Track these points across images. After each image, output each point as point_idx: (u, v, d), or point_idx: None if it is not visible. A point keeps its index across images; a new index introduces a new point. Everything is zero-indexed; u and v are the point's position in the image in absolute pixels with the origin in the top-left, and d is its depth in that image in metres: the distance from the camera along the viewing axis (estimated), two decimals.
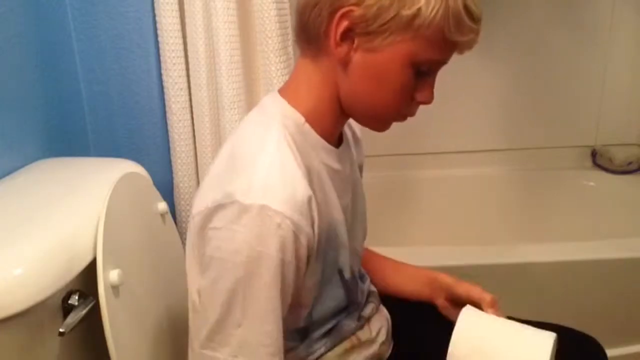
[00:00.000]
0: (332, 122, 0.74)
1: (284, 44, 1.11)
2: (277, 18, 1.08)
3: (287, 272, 0.64)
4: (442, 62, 0.69)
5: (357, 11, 0.64)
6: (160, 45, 1.11)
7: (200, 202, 0.67)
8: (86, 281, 0.75)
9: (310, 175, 0.69)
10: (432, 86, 0.71)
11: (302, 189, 0.65)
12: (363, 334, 0.83)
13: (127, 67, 1.12)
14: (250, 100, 1.15)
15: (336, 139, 0.76)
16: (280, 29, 1.09)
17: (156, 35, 1.11)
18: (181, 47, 1.11)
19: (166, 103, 1.14)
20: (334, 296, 0.78)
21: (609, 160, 1.84)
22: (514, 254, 1.35)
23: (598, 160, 1.87)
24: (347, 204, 0.79)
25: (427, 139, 1.81)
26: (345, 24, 0.65)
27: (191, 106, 1.15)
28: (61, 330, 0.70)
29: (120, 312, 0.77)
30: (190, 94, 1.14)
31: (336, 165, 0.75)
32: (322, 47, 0.68)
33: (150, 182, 1.00)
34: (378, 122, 0.74)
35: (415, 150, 1.82)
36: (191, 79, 1.13)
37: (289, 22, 1.14)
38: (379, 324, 0.87)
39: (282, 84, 1.10)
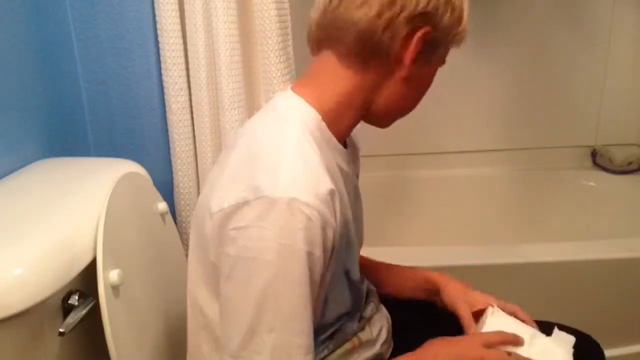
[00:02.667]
0: (347, 127, 0.75)
1: (284, 44, 1.11)
2: (277, 18, 1.08)
3: (315, 266, 0.62)
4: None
5: (432, 33, 0.68)
6: (160, 45, 1.11)
7: (218, 202, 0.64)
8: (86, 281, 0.75)
9: (329, 170, 0.68)
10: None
11: (325, 181, 0.65)
12: (364, 335, 0.83)
13: (127, 67, 1.12)
14: (250, 100, 1.15)
15: (344, 142, 0.77)
16: (280, 29, 1.09)
17: (156, 35, 1.11)
18: (181, 47, 1.11)
19: (166, 103, 1.14)
20: (341, 300, 0.77)
21: (609, 160, 1.84)
22: (514, 254, 1.35)
23: (598, 160, 1.88)
24: (355, 203, 0.80)
25: (427, 139, 1.81)
26: (420, 45, 0.68)
27: (191, 106, 1.15)
28: (61, 330, 0.70)
29: (120, 312, 0.77)
30: (190, 94, 1.14)
31: (345, 166, 0.75)
32: (380, 62, 0.70)
33: (150, 182, 1.00)
34: (393, 121, 0.79)
35: (415, 150, 1.82)
36: (191, 79, 1.13)
37: (289, 22, 1.14)
38: (380, 324, 0.87)
39: (282, 84, 1.11)
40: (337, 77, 0.71)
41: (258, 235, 0.61)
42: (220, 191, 0.66)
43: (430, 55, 0.71)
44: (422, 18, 0.67)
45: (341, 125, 0.73)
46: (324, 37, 0.72)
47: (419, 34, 0.67)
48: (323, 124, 0.71)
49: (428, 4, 0.67)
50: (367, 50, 0.69)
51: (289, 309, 0.61)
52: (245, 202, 0.62)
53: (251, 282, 0.61)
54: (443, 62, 0.75)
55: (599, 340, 0.91)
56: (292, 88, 0.74)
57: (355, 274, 0.80)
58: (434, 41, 0.69)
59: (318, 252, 0.62)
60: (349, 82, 0.71)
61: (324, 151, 0.69)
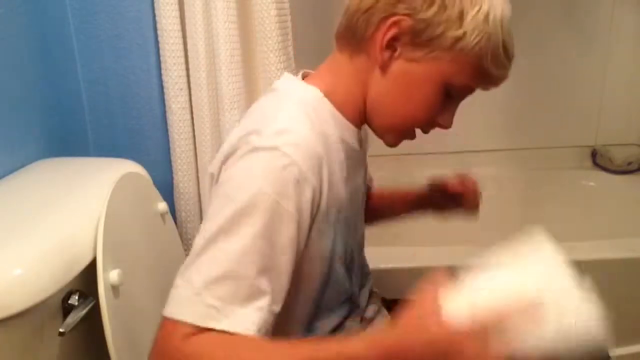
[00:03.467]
0: (354, 110, 0.74)
1: (284, 44, 1.11)
2: (277, 18, 1.08)
3: (283, 220, 0.61)
4: (471, 90, 0.73)
5: (408, 22, 0.67)
6: (160, 45, 1.11)
7: (217, 157, 0.68)
8: (86, 281, 0.75)
9: (326, 141, 0.69)
10: (453, 113, 0.75)
11: (314, 146, 0.66)
12: None
13: (127, 67, 1.12)
14: (250, 100, 1.15)
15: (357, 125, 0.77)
16: (280, 29, 1.09)
17: (156, 35, 1.11)
18: (181, 47, 1.11)
19: (166, 103, 1.14)
20: (339, 280, 0.77)
21: (609, 160, 1.84)
22: None
23: (598, 160, 1.87)
24: (358, 185, 0.80)
25: (427, 139, 1.80)
26: (394, 31, 0.67)
27: (191, 106, 1.15)
28: (61, 330, 0.70)
29: (120, 312, 0.77)
30: (190, 94, 1.14)
31: (352, 142, 0.75)
32: (364, 48, 0.71)
33: (150, 182, 1.00)
34: (392, 133, 0.76)
35: (415, 150, 1.82)
36: (191, 79, 1.13)
37: (289, 22, 1.14)
38: (381, 326, 0.87)
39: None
40: (338, 66, 0.74)
41: (235, 173, 0.63)
42: (219, 152, 0.69)
43: (414, 49, 0.68)
44: (401, 6, 0.67)
45: (347, 108, 0.73)
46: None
47: (390, 20, 0.67)
48: (325, 99, 0.72)
49: None
50: (351, 34, 0.71)
51: (239, 246, 0.59)
52: (233, 148, 0.64)
53: (221, 212, 0.61)
54: (447, 76, 0.69)
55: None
56: (295, 75, 0.77)
57: (350, 258, 0.79)
58: (414, 32, 0.67)
59: (289, 205, 0.61)
60: (345, 68, 0.73)
61: (324, 121, 0.70)
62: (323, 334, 0.77)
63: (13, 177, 0.89)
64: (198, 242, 0.62)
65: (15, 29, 0.93)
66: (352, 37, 0.71)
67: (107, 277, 0.75)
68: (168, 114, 1.15)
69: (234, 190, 0.62)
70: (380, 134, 0.76)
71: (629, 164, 1.84)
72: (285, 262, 0.62)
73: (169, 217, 1.03)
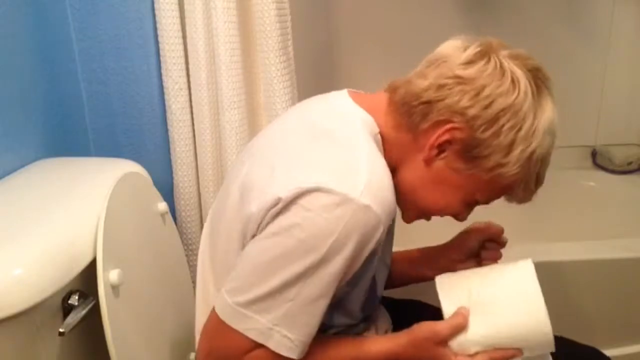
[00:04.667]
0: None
1: (284, 44, 1.11)
2: (277, 18, 1.08)
3: (352, 266, 0.66)
4: (494, 200, 0.76)
5: (463, 135, 0.68)
6: (160, 45, 1.11)
7: (288, 182, 0.66)
8: (86, 281, 0.75)
9: None
10: (471, 211, 0.79)
11: (392, 195, 0.68)
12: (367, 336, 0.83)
13: (127, 67, 1.12)
14: (250, 101, 1.15)
15: None
16: (280, 29, 1.09)
17: (156, 35, 1.11)
18: (181, 47, 1.11)
19: (166, 103, 1.14)
20: (351, 308, 0.80)
21: (609, 160, 1.84)
22: (513, 254, 1.35)
23: (598, 160, 1.87)
24: None
25: None
26: (447, 137, 0.69)
27: (191, 106, 1.15)
28: (61, 330, 0.70)
29: (120, 312, 0.77)
30: (190, 94, 1.14)
31: None
32: (413, 131, 0.72)
33: (150, 182, 1.00)
34: (415, 214, 0.80)
35: None
36: (191, 79, 1.13)
37: (289, 22, 1.14)
38: (383, 328, 0.87)
39: (282, 84, 1.11)
40: (383, 113, 0.75)
41: (317, 222, 0.63)
42: (290, 171, 0.68)
43: (458, 159, 0.71)
44: (460, 117, 0.68)
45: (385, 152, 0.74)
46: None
47: (447, 126, 0.69)
48: (379, 136, 0.74)
49: (470, 107, 0.68)
50: (406, 113, 0.72)
51: (314, 293, 0.65)
52: (319, 189, 0.64)
53: (288, 259, 0.64)
54: (478, 193, 0.73)
55: (598, 340, 0.91)
56: (349, 92, 0.77)
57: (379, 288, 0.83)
58: (464, 145, 0.69)
59: (363, 256, 0.66)
60: (389, 126, 0.74)
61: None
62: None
63: (13, 177, 0.89)
64: (254, 270, 0.67)
65: (15, 29, 0.93)
66: (406, 115, 0.72)
67: (107, 277, 0.75)
68: (168, 114, 1.15)
69: (318, 240, 0.64)
70: (403, 209, 0.79)
71: (629, 164, 1.84)
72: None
73: (169, 217, 1.03)
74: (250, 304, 0.66)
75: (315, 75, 1.65)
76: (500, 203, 0.79)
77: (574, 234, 1.64)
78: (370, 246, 0.66)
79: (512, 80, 0.69)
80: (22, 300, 0.65)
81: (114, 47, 1.11)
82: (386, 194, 0.66)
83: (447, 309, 0.74)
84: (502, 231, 0.89)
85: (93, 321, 0.73)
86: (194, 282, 0.93)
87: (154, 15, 1.10)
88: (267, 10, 1.07)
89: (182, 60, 1.12)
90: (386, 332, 0.86)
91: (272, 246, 0.65)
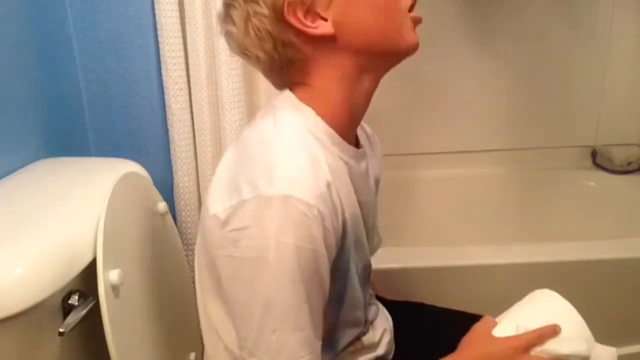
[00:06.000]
0: (341, 124, 0.71)
1: None
2: None
3: (319, 263, 0.61)
4: None
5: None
6: (160, 45, 1.11)
7: (215, 204, 0.64)
8: (86, 281, 0.75)
9: (329, 163, 0.67)
10: None
11: (322, 174, 0.63)
12: (367, 339, 0.82)
13: (127, 67, 1.12)
14: (250, 101, 1.15)
15: (352, 141, 0.74)
16: None
17: (156, 35, 1.11)
18: (181, 47, 1.11)
19: (166, 103, 1.14)
20: (355, 295, 0.76)
21: (609, 160, 1.84)
22: (514, 254, 1.35)
23: (598, 160, 1.87)
24: (367, 200, 0.77)
25: (427, 139, 1.81)
26: (298, 13, 0.65)
27: (191, 106, 1.15)
28: (61, 330, 0.70)
29: (120, 312, 0.77)
30: (190, 94, 1.14)
31: (352, 162, 0.73)
32: (292, 58, 0.68)
33: (150, 182, 1.00)
34: (397, 36, 0.70)
35: (415, 150, 1.82)
36: (191, 79, 1.13)
37: None
38: (382, 327, 0.87)
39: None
40: (302, 89, 0.71)
41: (258, 234, 0.60)
42: (216, 192, 0.66)
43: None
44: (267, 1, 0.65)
45: (335, 122, 0.70)
46: None
47: (285, 8, 0.65)
48: (319, 120, 0.69)
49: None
50: (277, 66, 0.69)
51: (288, 307, 0.61)
52: (242, 202, 0.61)
53: (255, 283, 0.60)
54: None
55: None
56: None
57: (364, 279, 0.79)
58: None
59: (320, 248, 0.61)
60: (306, 91, 0.70)
61: (324, 145, 0.68)
62: (342, 346, 0.77)
63: (13, 177, 0.89)
64: (243, 316, 0.63)
65: (15, 29, 0.93)
66: (285, 65, 0.69)
67: (107, 277, 0.75)
68: (168, 114, 1.15)
69: (266, 253, 0.59)
70: (396, 58, 0.72)
71: (629, 164, 1.83)
72: (324, 295, 0.64)
73: (169, 217, 1.03)
74: (255, 349, 0.62)
75: None
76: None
77: (574, 234, 1.64)
78: (316, 231, 0.60)
79: None
80: (22, 300, 0.65)
81: (114, 47, 1.11)
82: (303, 175, 0.62)
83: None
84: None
85: (93, 321, 0.73)
86: (193, 282, 0.93)
87: (154, 15, 1.10)
88: None
89: (182, 60, 1.12)
90: (383, 332, 0.86)
91: (242, 281, 0.62)
